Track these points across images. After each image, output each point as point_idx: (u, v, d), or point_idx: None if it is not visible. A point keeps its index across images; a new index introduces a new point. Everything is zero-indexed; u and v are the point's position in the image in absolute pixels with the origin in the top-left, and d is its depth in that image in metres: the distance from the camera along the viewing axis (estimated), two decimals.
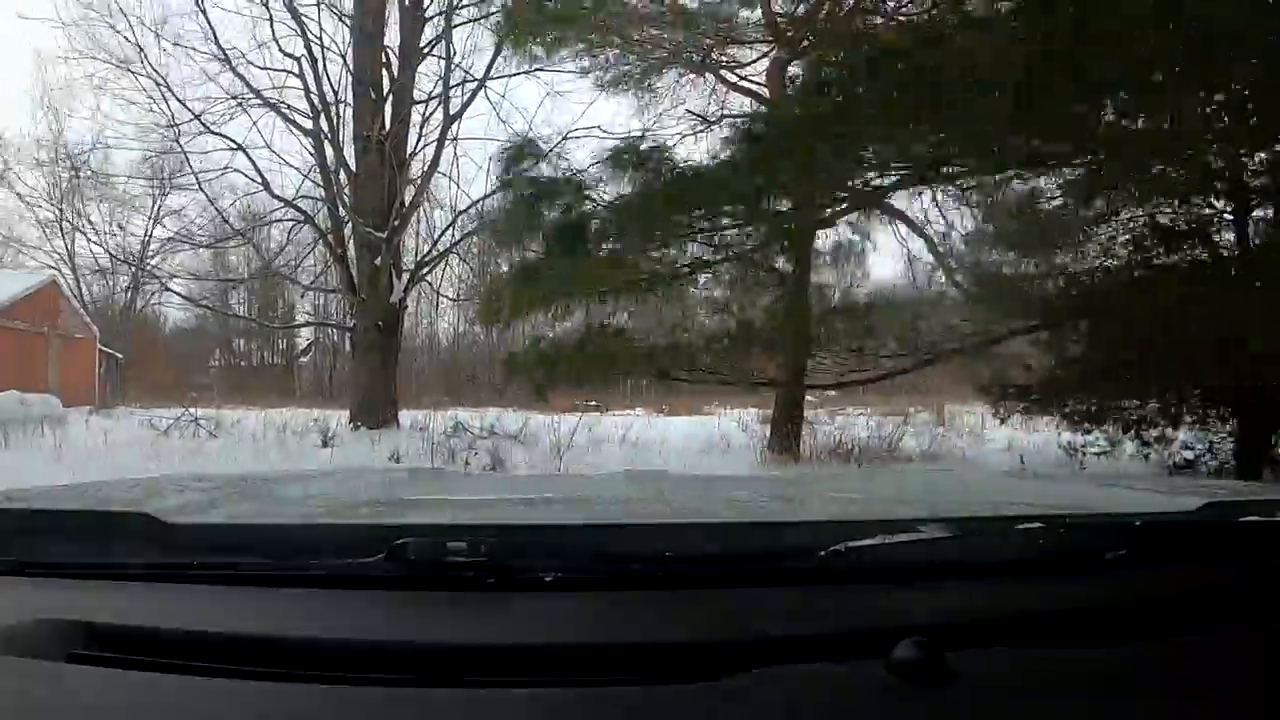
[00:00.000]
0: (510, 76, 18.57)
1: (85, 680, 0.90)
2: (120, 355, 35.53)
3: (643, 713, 0.84)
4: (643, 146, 4.73)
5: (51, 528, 1.27)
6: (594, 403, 22.27)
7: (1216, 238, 8.98)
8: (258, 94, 19.76)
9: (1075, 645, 0.93)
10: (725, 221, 4.78)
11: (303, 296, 35.31)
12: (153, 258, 30.28)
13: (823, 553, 1.05)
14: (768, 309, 6.77)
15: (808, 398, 22.61)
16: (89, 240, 31.71)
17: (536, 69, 12.84)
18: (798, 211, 6.35)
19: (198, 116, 19.65)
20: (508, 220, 4.76)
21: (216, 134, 19.91)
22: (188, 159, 20.94)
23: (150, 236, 31.58)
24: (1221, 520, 1.27)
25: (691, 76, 14.21)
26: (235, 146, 20.12)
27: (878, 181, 6.60)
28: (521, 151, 5.28)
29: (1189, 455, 11.28)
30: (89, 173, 26.55)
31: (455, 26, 19.91)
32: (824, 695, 0.84)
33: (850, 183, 6.20)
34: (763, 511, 1.56)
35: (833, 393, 23.45)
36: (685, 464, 12.26)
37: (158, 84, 19.79)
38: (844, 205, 7.06)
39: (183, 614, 1.03)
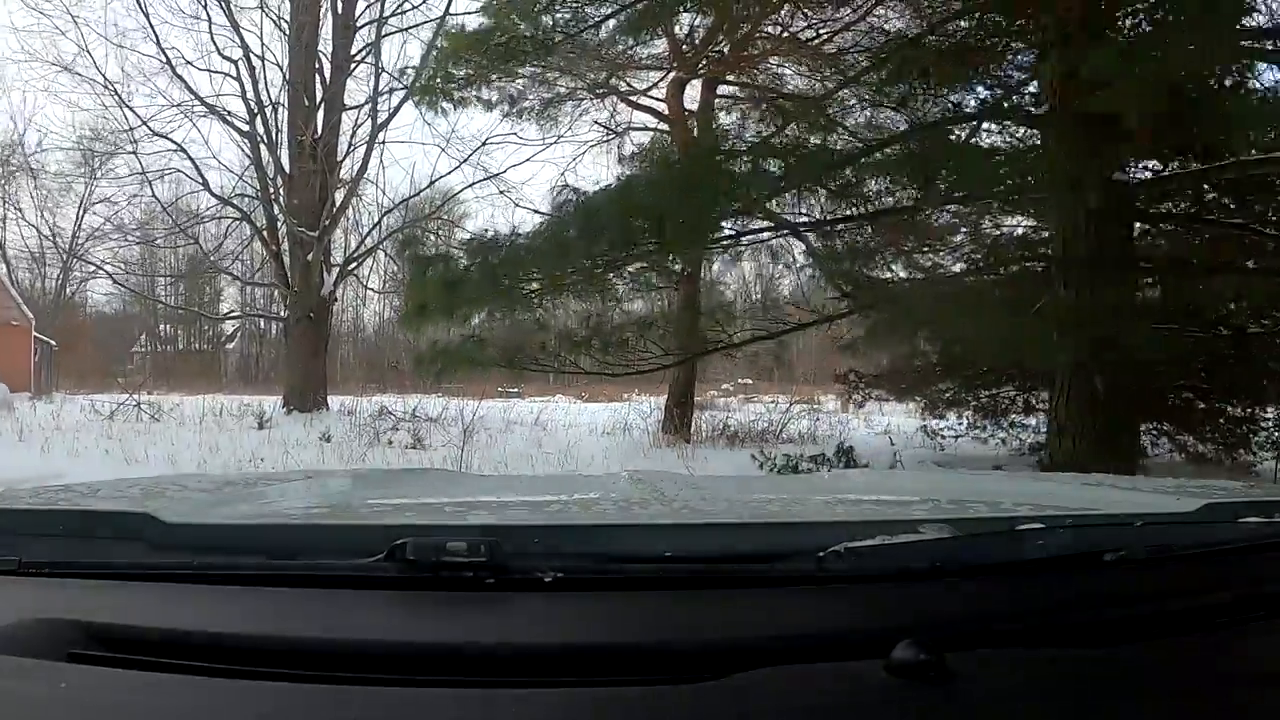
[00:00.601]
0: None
1: (85, 680, 0.87)
2: (53, 342, 34.88)
3: (642, 713, 0.83)
4: (486, 236, 6.50)
5: (51, 528, 1.24)
6: (515, 390, 22.68)
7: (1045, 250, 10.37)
8: (200, 99, 19.94)
9: (1075, 645, 0.92)
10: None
11: (244, 289, 35.92)
12: (84, 244, 30.90)
13: (822, 553, 1.03)
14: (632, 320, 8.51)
15: (725, 386, 24.12)
16: (20, 226, 32.31)
17: None
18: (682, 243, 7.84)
19: (145, 123, 19.91)
20: (409, 285, 6.28)
21: (161, 136, 20.15)
22: (139, 160, 20.91)
23: (80, 224, 32.21)
24: (1221, 521, 1.26)
25: (594, 100, 14.65)
26: (177, 148, 20.37)
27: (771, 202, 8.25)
28: (413, 238, 6.91)
29: (1040, 440, 11.77)
30: (24, 161, 27.35)
31: (384, 37, 20.22)
32: (824, 695, 0.83)
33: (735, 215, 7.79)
34: (763, 512, 1.53)
35: (748, 381, 24.87)
36: (585, 443, 13.29)
37: (106, 88, 20.05)
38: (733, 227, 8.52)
39: (182, 614, 1.01)
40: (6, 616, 0.96)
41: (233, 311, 38.29)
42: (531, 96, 9.64)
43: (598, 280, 5.78)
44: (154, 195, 22.01)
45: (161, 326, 50.07)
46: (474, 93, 8.02)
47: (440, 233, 22.09)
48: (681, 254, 6.14)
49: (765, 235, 8.14)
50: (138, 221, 26.40)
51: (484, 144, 20.33)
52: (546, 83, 9.94)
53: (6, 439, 12.61)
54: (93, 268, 28.46)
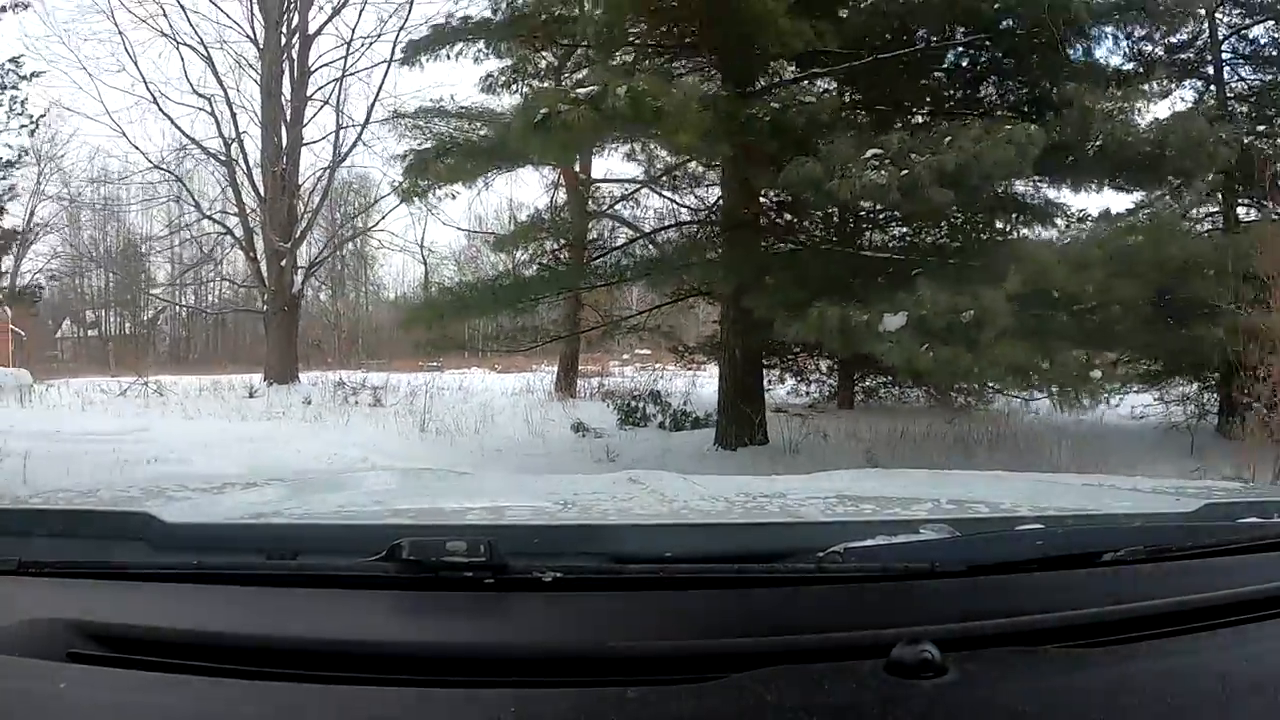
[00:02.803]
0: (384, 121, 21.30)
1: (85, 679, 0.84)
2: (23, 333, 33.02)
3: (643, 712, 0.79)
4: (452, 284, 11.13)
5: (52, 527, 1.20)
6: (436, 364, 24.92)
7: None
8: (194, 140, 22.16)
9: (1075, 645, 0.88)
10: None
11: (175, 279, 37.88)
12: (37, 233, 29.94)
13: (822, 553, 0.98)
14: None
15: (625, 356, 28.67)
16: None
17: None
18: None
19: (156, 165, 22.12)
20: (420, 311, 11.38)
21: (160, 169, 22.50)
22: (180, 192, 23.78)
23: (32, 215, 30.67)
24: (1220, 521, 1.24)
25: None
26: (175, 179, 22.69)
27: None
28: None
29: (816, 394, 14.62)
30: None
31: (343, 78, 22.57)
32: (824, 695, 0.79)
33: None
34: (763, 512, 1.50)
35: (646, 351, 28.90)
36: (497, 400, 15.64)
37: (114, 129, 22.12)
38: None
39: (182, 614, 0.96)
40: (6, 616, 0.92)
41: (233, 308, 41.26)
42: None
43: (501, 309, 10.53)
44: (185, 227, 25.13)
45: (86, 313, 48.16)
46: (431, 194, 13.45)
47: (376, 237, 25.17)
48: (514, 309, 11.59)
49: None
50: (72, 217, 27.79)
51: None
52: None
53: (76, 409, 14.01)
54: (46, 258, 28.82)
